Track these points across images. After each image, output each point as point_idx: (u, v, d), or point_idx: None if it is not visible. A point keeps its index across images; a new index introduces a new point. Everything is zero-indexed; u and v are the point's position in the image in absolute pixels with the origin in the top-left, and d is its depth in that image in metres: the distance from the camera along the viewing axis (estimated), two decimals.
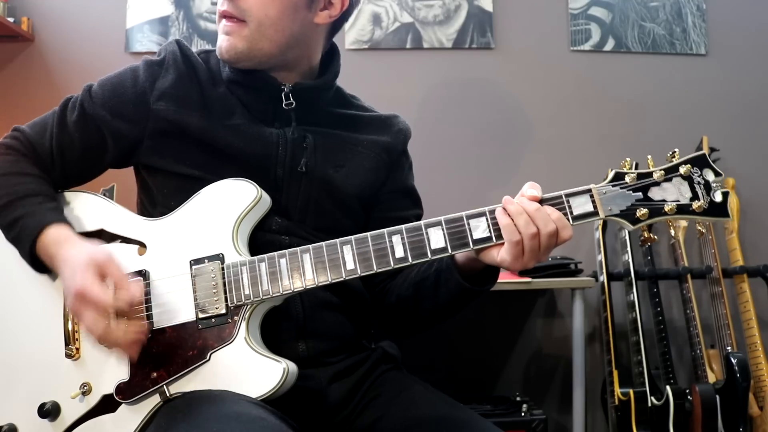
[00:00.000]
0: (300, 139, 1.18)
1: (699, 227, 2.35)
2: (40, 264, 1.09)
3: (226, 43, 1.15)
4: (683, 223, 2.31)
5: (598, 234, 2.31)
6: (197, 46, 2.43)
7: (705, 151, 2.30)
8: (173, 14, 2.43)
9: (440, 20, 2.47)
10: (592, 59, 2.50)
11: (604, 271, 2.26)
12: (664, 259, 2.44)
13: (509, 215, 0.99)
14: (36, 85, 2.38)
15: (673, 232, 2.35)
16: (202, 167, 1.14)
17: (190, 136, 1.14)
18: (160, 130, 1.15)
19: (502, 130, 2.46)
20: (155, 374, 1.02)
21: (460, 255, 1.08)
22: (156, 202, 1.18)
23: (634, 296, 2.21)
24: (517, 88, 2.49)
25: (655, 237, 2.30)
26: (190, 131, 1.14)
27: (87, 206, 1.16)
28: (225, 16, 1.15)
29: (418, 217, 1.29)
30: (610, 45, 2.50)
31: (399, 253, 1.01)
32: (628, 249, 2.26)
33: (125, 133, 1.17)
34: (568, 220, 1.00)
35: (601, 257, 2.28)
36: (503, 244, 1.00)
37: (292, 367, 1.01)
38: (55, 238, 1.06)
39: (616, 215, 1.00)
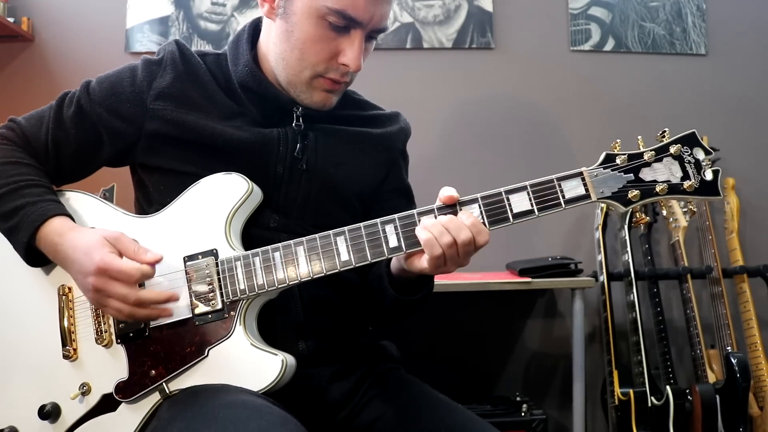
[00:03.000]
0: (301, 137, 1.18)
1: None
2: (35, 256, 1.09)
3: (328, 101, 1.17)
4: (683, 223, 2.31)
5: (598, 234, 2.31)
6: (197, 46, 2.43)
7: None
8: (173, 14, 2.43)
9: (440, 20, 2.47)
10: (592, 59, 2.50)
11: (604, 271, 2.26)
12: (664, 259, 2.44)
13: (427, 229, 0.99)
14: (36, 85, 2.38)
15: (673, 232, 2.34)
16: (200, 165, 1.13)
17: (188, 135, 1.13)
18: (157, 130, 1.14)
19: (501, 129, 2.46)
20: (154, 372, 1.03)
21: (394, 265, 1.10)
22: (152, 200, 1.17)
23: (634, 296, 2.21)
24: (517, 88, 2.49)
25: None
26: (188, 130, 1.13)
27: (78, 206, 1.16)
28: (344, 82, 1.16)
29: None
30: (610, 45, 2.50)
31: (393, 242, 1.01)
32: (628, 249, 2.26)
33: (122, 132, 1.16)
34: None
35: (601, 257, 2.28)
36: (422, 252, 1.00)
37: (291, 360, 1.02)
38: (58, 228, 1.06)
39: (607, 197, 1.00)
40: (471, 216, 0.99)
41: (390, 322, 1.24)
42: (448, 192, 1.01)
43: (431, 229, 0.98)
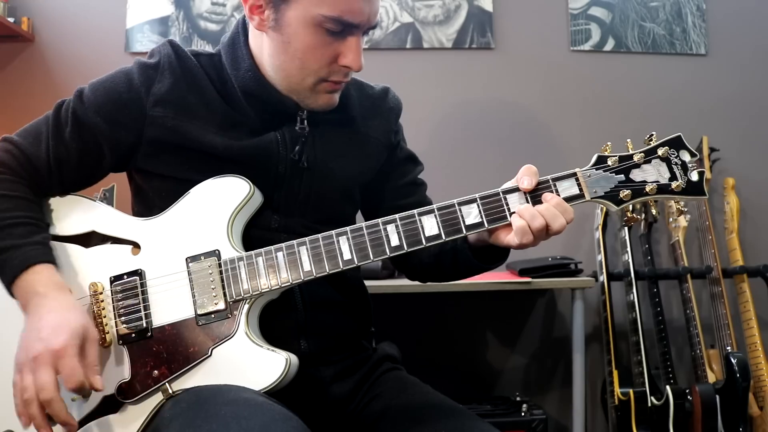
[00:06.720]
0: (299, 135, 1.17)
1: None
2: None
3: (332, 101, 1.17)
4: (683, 223, 2.31)
5: (598, 234, 2.31)
6: (197, 46, 2.42)
7: (705, 150, 2.32)
8: (173, 14, 2.43)
9: (440, 20, 2.47)
10: (592, 59, 2.50)
11: (604, 271, 2.26)
12: (664, 259, 2.44)
13: (523, 217, 1.02)
14: (36, 85, 2.38)
15: (673, 232, 2.35)
16: (202, 171, 1.12)
17: (189, 142, 1.12)
18: (158, 137, 1.12)
19: (501, 129, 2.47)
20: (157, 372, 1.02)
21: (473, 239, 1.14)
22: (153, 205, 1.15)
23: (634, 296, 2.21)
24: (517, 88, 2.49)
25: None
26: (189, 137, 1.12)
27: (76, 209, 1.14)
28: (344, 81, 1.16)
29: (420, 172, 1.36)
30: (610, 45, 2.50)
31: (394, 241, 1.03)
32: (628, 249, 2.26)
33: (121, 140, 1.14)
34: None
35: (601, 257, 2.28)
36: (507, 226, 1.04)
37: (294, 359, 1.02)
38: (37, 283, 1.03)
39: (600, 197, 1.04)
40: (554, 197, 1.03)
41: (453, 280, 1.30)
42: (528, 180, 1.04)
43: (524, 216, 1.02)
